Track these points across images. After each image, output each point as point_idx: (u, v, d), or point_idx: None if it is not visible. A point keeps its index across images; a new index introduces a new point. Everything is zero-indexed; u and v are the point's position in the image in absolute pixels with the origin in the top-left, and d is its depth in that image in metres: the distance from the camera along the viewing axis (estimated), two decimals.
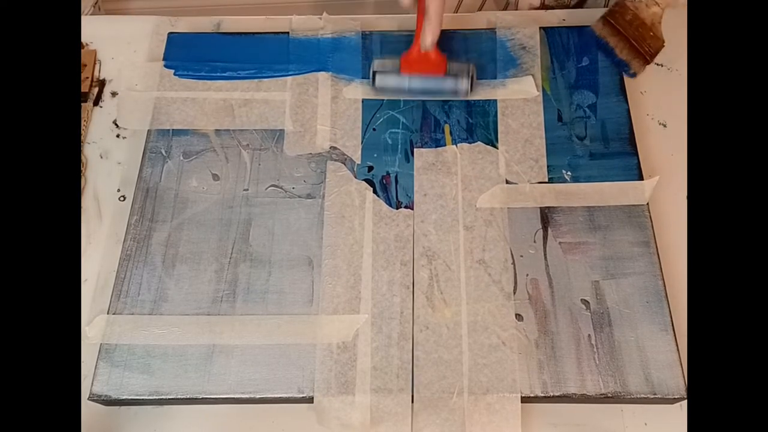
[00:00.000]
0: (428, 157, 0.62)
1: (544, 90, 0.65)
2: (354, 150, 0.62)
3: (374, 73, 0.64)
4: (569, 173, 0.61)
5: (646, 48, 0.64)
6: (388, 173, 0.61)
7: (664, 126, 0.66)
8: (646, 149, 0.63)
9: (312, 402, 0.52)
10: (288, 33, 0.69)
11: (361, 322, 0.54)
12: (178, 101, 0.65)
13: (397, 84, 0.64)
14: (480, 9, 0.79)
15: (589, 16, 0.71)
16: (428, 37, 0.60)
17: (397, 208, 0.59)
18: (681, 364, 0.52)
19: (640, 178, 0.60)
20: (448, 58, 0.64)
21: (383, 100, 0.65)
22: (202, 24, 0.71)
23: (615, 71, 0.66)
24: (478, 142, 0.62)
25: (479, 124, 0.63)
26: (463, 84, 0.64)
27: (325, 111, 0.64)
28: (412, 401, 0.52)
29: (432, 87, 0.64)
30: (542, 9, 0.75)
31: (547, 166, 0.61)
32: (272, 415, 0.54)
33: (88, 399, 0.52)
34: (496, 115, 0.64)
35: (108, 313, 0.55)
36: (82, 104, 0.67)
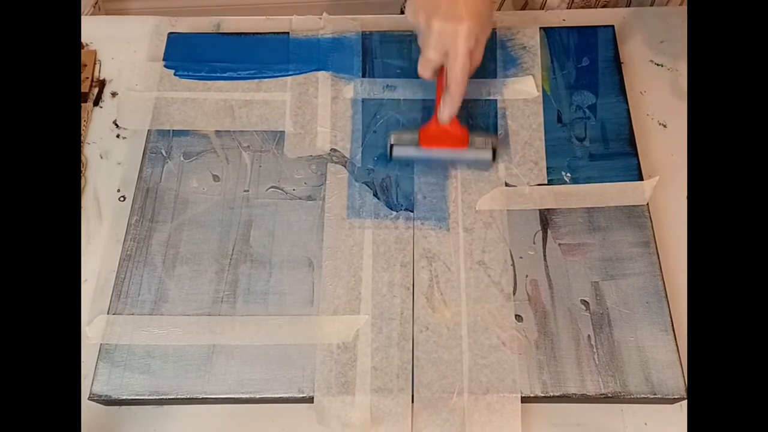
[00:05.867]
0: None
1: (543, 90, 0.65)
2: (354, 152, 0.62)
3: (392, 146, 0.61)
4: (569, 175, 0.61)
5: None
6: (388, 175, 0.61)
7: (664, 126, 0.66)
8: (646, 149, 0.63)
9: (312, 402, 0.52)
10: (288, 33, 0.69)
11: (361, 322, 0.54)
12: (178, 101, 0.65)
13: (414, 158, 0.62)
14: (499, 9, 0.79)
15: (590, 17, 0.71)
16: (446, 112, 0.58)
17: (397, 211, 0.59)
18: (681, 364, 0.52)
19: (640, 178, 0.60)
20: (470, 129, 0.61)
21: (383, 99, 0.65)
22: (202, 24, 0.71)
23: (615, 71, 0.66)
24: None
25: (479, 125, 0.63)
26: (486, 155, 0.60)
27: (326, 112, 0.64)
28: (412, 401, 0.52)
29: (453, 158, 0.61)
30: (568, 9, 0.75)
31: (547, 168, 0.61)
32: (272, 415, 0.53)
33: (88, 399, 0.52)
34: (496, 116, 0.64)
35: (108, 313, 0.55)
36: (82, 104, 0.67)
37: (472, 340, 0.54)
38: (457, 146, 0.60)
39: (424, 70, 0.58)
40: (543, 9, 0.76)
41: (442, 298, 0.55)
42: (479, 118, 0.64)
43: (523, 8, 0.79)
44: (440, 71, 0.59)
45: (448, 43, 0.55)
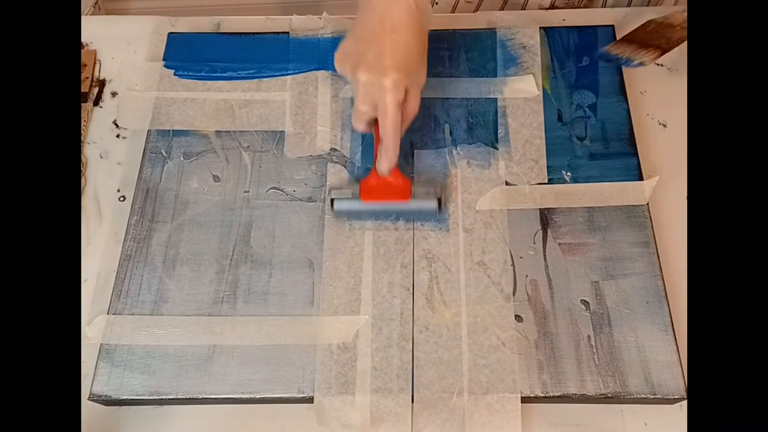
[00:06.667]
0: (428, 158, 0.62)
1: (544, 89, 0.65)
2: (354, 151, 0.62)
3: (332, 200, 0.58)
4: (569, 174, 0.61)
5: (666, 46, 0.64)
6: None
7: (664, 126, 0.66)
8: (646, 149, 0.63)
9: (312, 402, 0.52)
10: (288, 33, 0.69)
11: (361, 323, 0.54)
12: (178, 101, 0.65)
13: (357, 212, 0.59)
14: (476, 10, 0.79)
15: (589, 17, 0.71)
16: (384, 164, 0.56)
17: None
18: (681, 364, 0.52)
19: (640, 178, 0.60)
20: (414, 178, 0.60)
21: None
22: (202, 24, 0.71)
23: (615, 71, 0.66)
24: (478, 143, 0.62)
25: (479, 124, 0.63)
26: (430, 205, 0.58)
27: (325, 111, 0.64)
28: (412, 401, 0.52)
29: (397, 210, 0.59)
30: (550, 9, 0.75)
31: (547, 167, 0.61)
32: (272, 415, 0.54)
33: (88, 399, 0.52)
34: (496, 114, 0.64)
35: (108, 314, 0.55)
36: (82, 104, 0.67)
37: (471, 341, 0.54)
38: (398, 199, 0.57)
39: (358, 123, 0.56)
40: (524, 9, 0.77)
41: (442, 299, 0.55)
42: (480, 117, 0.64)
43: (502, 8, 0.79)
44: (375, 122, 0.56)
45: (377, 96, 0.53)
